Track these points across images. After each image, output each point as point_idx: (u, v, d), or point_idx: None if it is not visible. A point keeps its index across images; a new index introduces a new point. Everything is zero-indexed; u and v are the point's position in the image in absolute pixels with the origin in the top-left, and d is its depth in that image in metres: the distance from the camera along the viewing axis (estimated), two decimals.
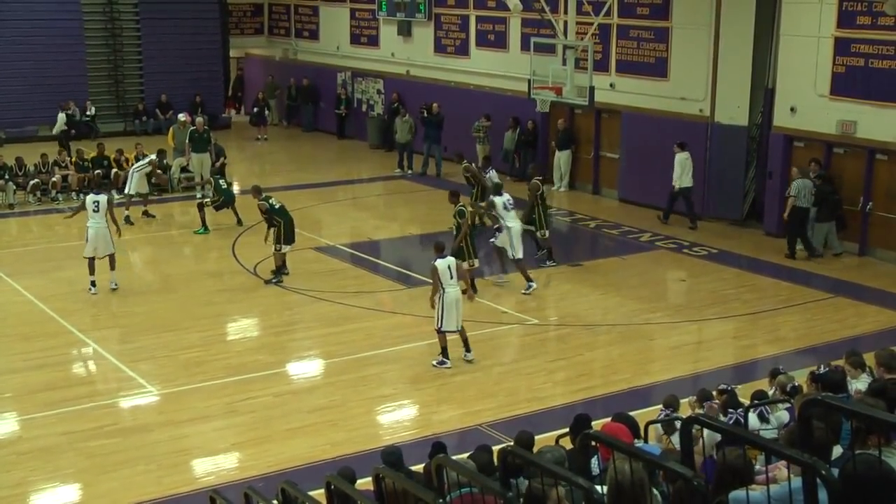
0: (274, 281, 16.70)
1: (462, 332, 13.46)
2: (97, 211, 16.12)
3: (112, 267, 16.32)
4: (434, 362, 13.37)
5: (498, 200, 16.68)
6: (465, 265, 15.55)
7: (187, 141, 22.95)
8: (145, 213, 21.13)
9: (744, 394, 10.24)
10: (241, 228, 19.82)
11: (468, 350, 13.50)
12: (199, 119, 23.85)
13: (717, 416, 8.46)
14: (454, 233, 16.04)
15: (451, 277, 13.20)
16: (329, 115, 31.29)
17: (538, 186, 17.73)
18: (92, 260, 16.12)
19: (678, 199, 20.66)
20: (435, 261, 13.34)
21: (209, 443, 11.35)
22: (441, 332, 13.28)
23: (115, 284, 16.40)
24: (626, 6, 22.17)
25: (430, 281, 13.48)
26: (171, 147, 24.18)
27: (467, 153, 21.76)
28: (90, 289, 16.11)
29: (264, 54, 35.21)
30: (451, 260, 13.37)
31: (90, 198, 16.42)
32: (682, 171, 20.43)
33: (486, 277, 17.01)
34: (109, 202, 16.34)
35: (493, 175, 19.69)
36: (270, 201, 17.01)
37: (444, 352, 13.36)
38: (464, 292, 13.88)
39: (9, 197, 21.95)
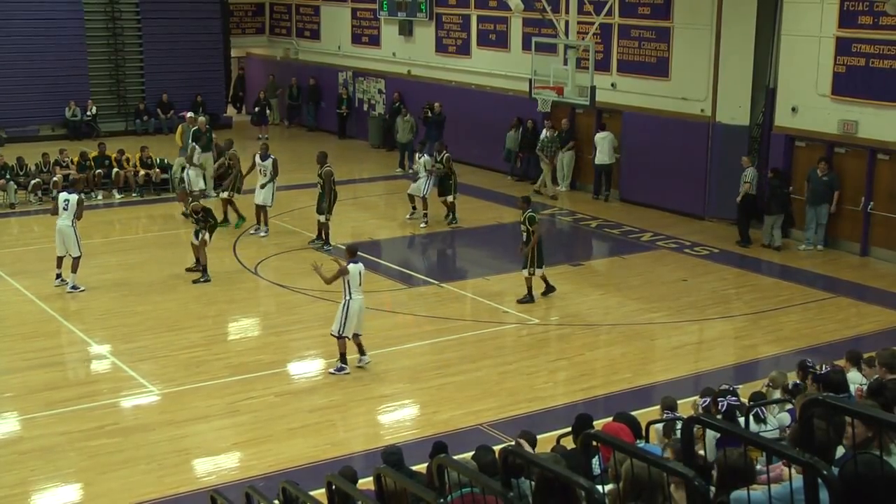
0: (203, 280, 16.77)
1: (356, 338, 13.19)
2: (66, 209, 16.13)
3: (73, 269, 16.16)
4: (332, 370, 13.17)
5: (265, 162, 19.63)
6: (526, 273, 15.75)
7: (191, 140, 22.97)
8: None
9: (744, 393, 10.24)
10: (240, 230, 19.81)
11: (363, 354, 13.28)
12: (201, 118, 23.85)
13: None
14: (524, 239, 15.91)
15: (360, 284, 13.06)
16: (330, 114, 31.29)
17: (449, 159, 20.44)
18: (60, 258, 16.22)
19: (601, 175, 22.83)
20: (348, 263, 13.09)
21: (210, 442, 11.35)
22: (340, 338, 13.07)
23: (73, 287, 16.16)
24: (628, 6, 22.15)
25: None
26: (179, 146, 24.23)
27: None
28: (54, 280, 16.28)
29: (265, 54, 35.21)
30: (361, 266, 13.23)
31: (62, 196, 16.52)
32: (600, 149, 22.48)
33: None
34: (79, 203, 16.26)
35: (424, 161, 20.66)
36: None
37: (343, 357, 13.13)
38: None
39: (10, 196, 21.96)
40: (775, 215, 19.02)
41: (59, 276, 16.42)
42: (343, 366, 13.13)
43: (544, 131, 23.39)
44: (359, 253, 13.51)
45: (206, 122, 23.69)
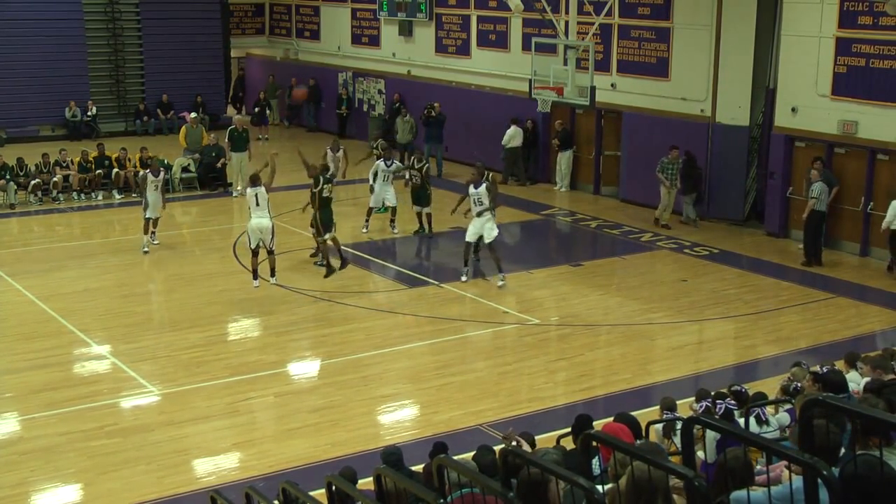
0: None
1: (270, 256, 15.78)
2: (157, 189, 18.70)
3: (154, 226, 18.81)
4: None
5: None
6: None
7: (227, 140, 23.18)
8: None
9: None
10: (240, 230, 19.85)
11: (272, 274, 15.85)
12: (237, 117, 24.14)
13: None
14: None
15: (257, 205, 15.38)
16: (330, 115, 31.30)
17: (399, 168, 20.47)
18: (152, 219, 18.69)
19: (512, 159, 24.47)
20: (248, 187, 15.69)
21: (210, 443, 11.34)
22: (251, 253, 15.74)
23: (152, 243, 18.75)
24: (628, 6, 22.16)
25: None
26: (183, 147, 24.35)
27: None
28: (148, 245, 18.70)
29: (265, 54, 35.23)
30: (258, 189, 15.43)
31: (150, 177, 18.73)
32: (514, 140, 24.30)
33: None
34: (142, 178, 18.97)
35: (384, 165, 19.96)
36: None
37: (254, 273, 15.94)
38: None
39: (10, 197, 21.96)
40: (690, 195, 20.64)
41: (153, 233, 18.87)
42: (254, 280, 15.84)
43: (669, 155, 20.64)
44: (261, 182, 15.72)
45: (243, 121, 23.91)
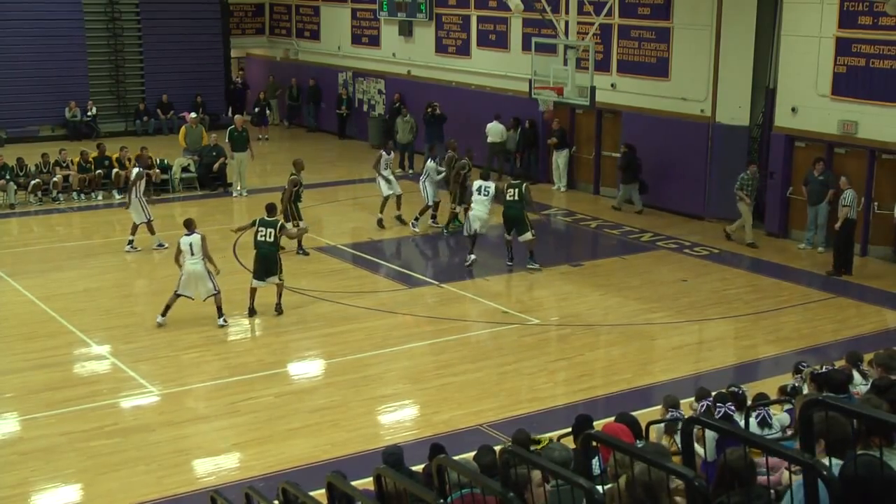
0: None
1: (216, 298, 14.80)
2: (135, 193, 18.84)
3: (150, 232, 18.90)
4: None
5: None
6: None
7: (227, 140, 23.17)
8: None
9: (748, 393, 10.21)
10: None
11: (219, 315, 14.84)
12: (238, 117, 24.11)
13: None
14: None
15: (192, 254, 14.62)
16: (330, 115, 31.30)
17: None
18: (135, 225, 18.79)
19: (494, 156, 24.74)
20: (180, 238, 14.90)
21: (210, 443, 11.35)
22: (175, 295, 14.71)
23: (159, 245, 18.83)
24: (628, 6, 22.16)
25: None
26: (183, 147, 24.35)
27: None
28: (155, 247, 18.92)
29: (265, 54, 35.22)
30: (194, 238, 14.75)
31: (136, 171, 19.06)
32: (492, 135, 24.53)
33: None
34: (138, 176, 18.79)
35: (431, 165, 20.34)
36: None
37: (165, 309, 14.80)
38: None
39: (10, 197, 21.96)
40: (632, 184, 21.62)
41: (130, 241, 18.80)
42: (160, 317, 14.79)
43: (749, 170, 19.22)
44: (196, 228, 15.14)
45: (244, 120, 23.94)
